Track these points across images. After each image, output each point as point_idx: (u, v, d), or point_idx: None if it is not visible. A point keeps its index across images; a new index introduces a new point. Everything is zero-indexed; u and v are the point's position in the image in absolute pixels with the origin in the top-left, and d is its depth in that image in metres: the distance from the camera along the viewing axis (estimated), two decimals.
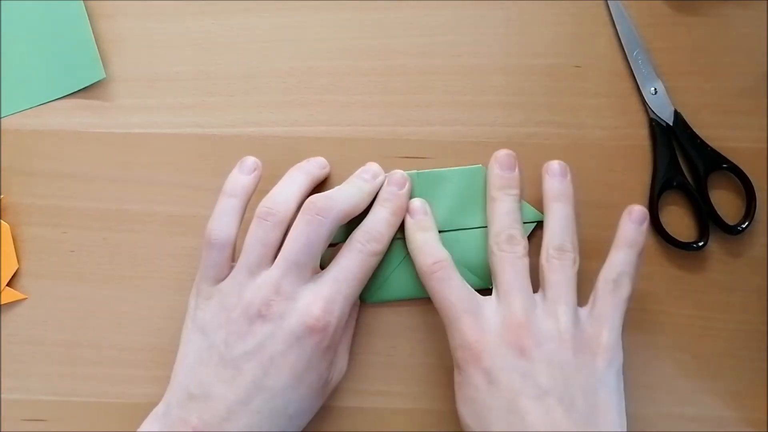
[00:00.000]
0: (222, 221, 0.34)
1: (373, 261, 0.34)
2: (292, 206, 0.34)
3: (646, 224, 0.35)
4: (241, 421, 0.31)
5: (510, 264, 0.33)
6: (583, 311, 0.33)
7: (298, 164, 0.36)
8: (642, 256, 0.34)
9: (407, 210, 0.36)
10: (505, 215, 0.35)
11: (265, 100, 0.39)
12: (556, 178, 0.35)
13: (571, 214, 0.35)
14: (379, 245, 0.34)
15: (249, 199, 0.35)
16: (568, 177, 0.36)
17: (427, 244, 0.35)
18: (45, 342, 0.37)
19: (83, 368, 0.37)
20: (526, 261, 0.34)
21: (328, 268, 0.34)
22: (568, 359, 0.31)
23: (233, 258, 0.34)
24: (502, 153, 0.36)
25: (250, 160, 0.36)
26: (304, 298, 0.32)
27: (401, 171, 0.36)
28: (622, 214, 0.35)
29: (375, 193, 0.36)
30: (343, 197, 0.34)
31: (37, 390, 0.37)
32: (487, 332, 0.32)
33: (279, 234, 0.33)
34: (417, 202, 0.36)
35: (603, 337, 0.32)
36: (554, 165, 0.36)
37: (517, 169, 0.36)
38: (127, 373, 0.37)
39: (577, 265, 0.34)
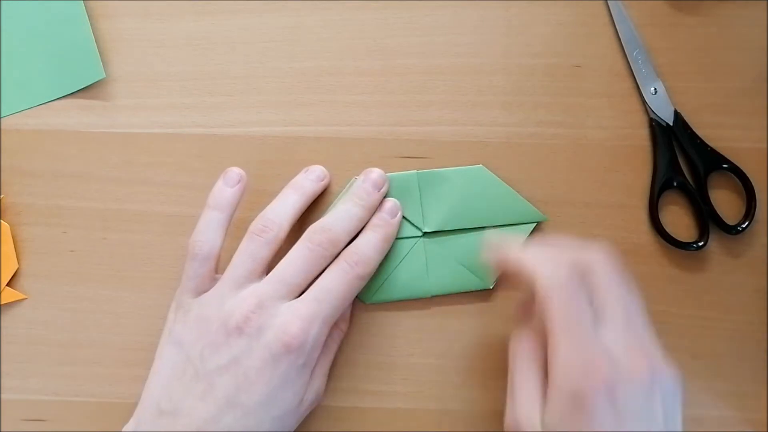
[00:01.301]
0: (206, 233, 0.34)
1: (358, 284, 0.34)
2: (286, 227, 0.34)
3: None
4: None
5: (620, 285, 0.30)
6: None
7: (294, 180, 0.36)
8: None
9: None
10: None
11: (265, 100, 0.39)
12: None
13: None
14: (367, 269, 0.34)
15: (233, 212, 0.35)
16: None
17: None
18: (45, 342, 0.37)
19: (83, 368, 0.37)
20: None
21: (313, 286, 0.33)
22: (671, 390, 0.29)
23: (216, 271, 0.34)
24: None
25: (234, 172, 0.35)
26: (283, 315, 0.32)
27: (393, 200, 0.36)
28: None
29: (372, 211, 0.35)
30: (342, 226, 0.34)
31: (37, 390, 0.37)
32: (616, 367, 0.28)
33: (270, 252, 0.33)
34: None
35: (664, 357, 0.29)
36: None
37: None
38: (127, 373, 0.36)
39: None
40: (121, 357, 0.37)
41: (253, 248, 0.33)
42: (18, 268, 0.37)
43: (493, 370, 0.36)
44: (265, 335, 0.31)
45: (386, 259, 0.36)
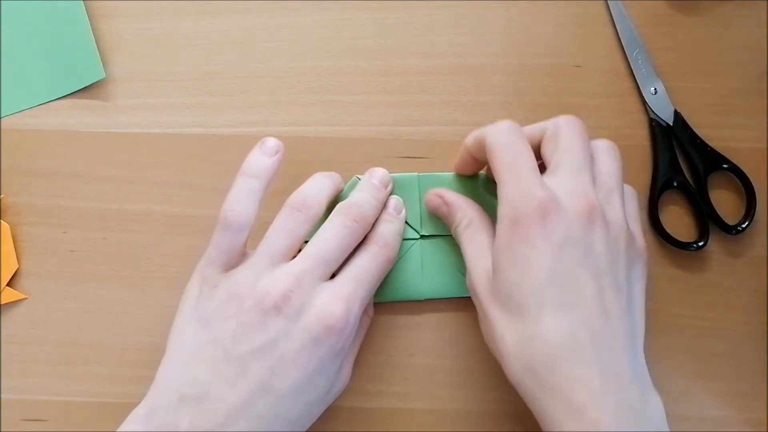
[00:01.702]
0: (241, 202, 0.31)
1: (387, 267, 0.34)
2: (324, 206, 0.33)
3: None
4: (239, 426, 0.28)
5: (580, 141, 0.31)
6: None
7: (323, 172, 0.35)
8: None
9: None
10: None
11: (265, 100, 0.39)
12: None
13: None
14: (393, 252, 0.34)
15: (270, 183, 0.33)
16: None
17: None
18: (45, 342, 0.37)
19: (83, 368, 0.37)
20: None
21: (343, 270, 0.32)
22: (623, 249, 0.30)
23: (246, 245, 0.32)
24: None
25: (272, 142, 0.33)
26: (322, 296, 0.30)
27: (397, 197, 0.36)
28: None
29: (382, 205, 0.35)
30: (369, 208, 0.34)
31: (37, 390, 0.36)
32: (556, 196, 0.29)
33: (308, 229, 0.32)
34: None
35: (639, 238, 0.32)
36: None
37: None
38: (127, 373, 0.36)
39: None
40: (121, 357, 0.37)
41: (292, 224, 0.32)
42: (18, 268, 0.37)
43: (493, 370, 0.36)
44: (304, 317, 0.30)
45: None
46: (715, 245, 0.37)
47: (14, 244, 0.38)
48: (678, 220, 0.38)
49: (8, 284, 0.37)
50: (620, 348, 0.28)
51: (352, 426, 0.36)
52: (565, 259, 0.28)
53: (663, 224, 0.37)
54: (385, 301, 0.36)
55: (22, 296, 0.37)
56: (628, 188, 0.33)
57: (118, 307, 0.37)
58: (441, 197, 0.35)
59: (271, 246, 0.31)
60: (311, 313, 0.30)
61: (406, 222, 0.36)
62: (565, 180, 0.30)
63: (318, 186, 0.34)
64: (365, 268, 0.32)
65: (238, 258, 0.32)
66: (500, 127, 0.31)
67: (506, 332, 0.29)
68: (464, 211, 0.34)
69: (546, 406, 0.28)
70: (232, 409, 0.28)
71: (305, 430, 0.32)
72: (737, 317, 0.37)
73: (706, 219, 0.37)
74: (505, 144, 0.31)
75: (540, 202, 0.29)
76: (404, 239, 0.36)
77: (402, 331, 0.37)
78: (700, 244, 0.37)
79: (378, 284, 0.34)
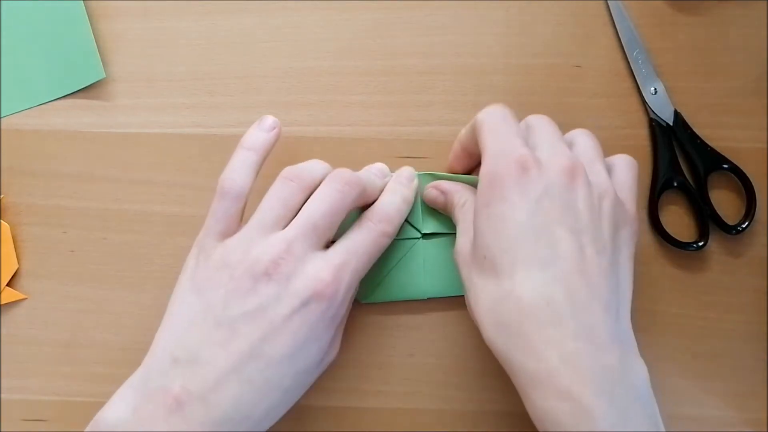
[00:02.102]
0: (239, 171, 0.32)
1: (383, 242, 0.33)
2: (318, 178, 0.33)
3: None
4: (230, 390, 0.28)
5: (552, 126, 0.32)
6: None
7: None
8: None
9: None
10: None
11: (265, 100, 0.39)
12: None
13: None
14: (390, 227, 0.34)
15: (266, 157, 0.34)
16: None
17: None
18: (45, 342, 0.37)
19: (83, 368, 0.37)
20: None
21: (339, 240, 0.33)
22: (606, 209, 0.30)
23: (242, 215, 0.33)
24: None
25: (270, 119, 0.35)
26: (314, 263, 0.30)
27: (410, 167, 0.36)
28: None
29: (382, 190, 0.35)
30: (365, 178, 0.34)
31: (37, 390, 0.36)
32: (536, 155, 0.30)
33: (302, 199, 0.32)
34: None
35: (629, 205, 0.32)
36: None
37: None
38: (127, 373, 0.36)
39: None
40: (121, 357, 0.37)
41: (285, 193, 0.32)
42: (18, 268, 0.37)
43: (493, 370, 0.36)
44: (295, 282, 0.30)
45: (384, 259, 0.36)
46: (715, 245, 0.37)
47: (14, 244, 0.38)
48: (678, 220, 0.38)
49: (8, 284, 0.37)
50: (599, 308, 0.27)
51: (352, 426, 0.36)
52: (541, 213, 0.28)
53: (663, 224, 0.37)
54: (386, 301, 0.36)
55: (22, 296, 0.37)
56: (625, 158, 0.33)
57: (118, 307, 0.37)
58: (437, 188, 0.36)
59: (263, 214, 0.32)
60: (300, 279, 0.30)
61: (408, 221, 0.36)
62: (546, 147, 0.30)
63: (313, 163, 0.34)
64: (358, 241, 0.32)
65: (234, 227, 0.32)
66: (489, 107, 0.32)
67: (481, 293, 0.29)
68: (460, 194, 0.34)
69: (518, 368, 0.27)
70: (222, 373, 0.29)
71: (295, 400, 0.32)
72: (737, 317, 0.37)
73: (706, 219, 0.37)
74: (492, 115, 0.32)
75: (519, 157, 0.29)
76: (405, 239, 0.36)
77: (402, 330, 0.37)
78: (700, 244, 0.37)
79: (374, 259, 0.33)
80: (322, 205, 0.32)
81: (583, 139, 0.33)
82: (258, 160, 0.33)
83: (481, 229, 0.30)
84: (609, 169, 0.32)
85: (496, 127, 0.31)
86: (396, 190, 0.35)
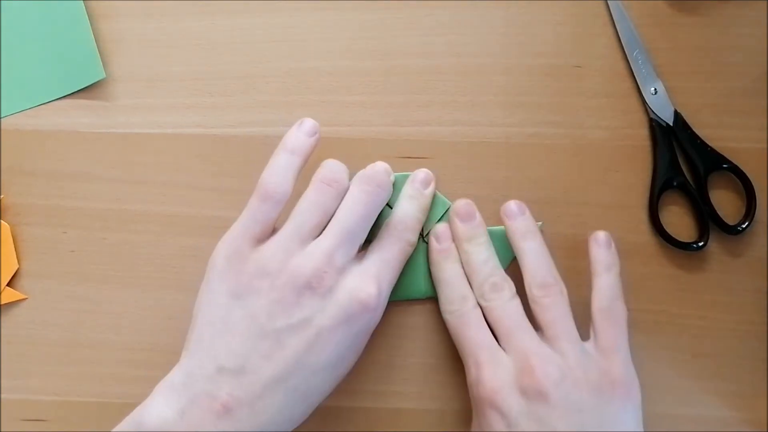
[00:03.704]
0: (282, 175, 0.32)
1: (409, 251, 0.34)
2: (348, 182, 0.33)
3: (613, 246, 0.35)
4: (276, 398, 0.29)
5: (502, 311, 0.33)
6: (589, 345, 0.33)
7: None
8: (619, 275, 0.34)
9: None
10: (482, 265, 0.34)
11: (265, 100, 0.39)
12: (517, 219, 0.34)
13: (543, 246, 0.34)
14: (414, 237, 0.34)
15: (306, 161, 0.33)
16: (527, 213, 0.35)
17: (453, 278, 0.34)
18: (45, 342, 0.37)
19: (83, 368, 0.37)
20: (516, 301, 0.33)
21: (368, 252, 0.33)
22: (585, 399, 0.30)
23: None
24: (461, 204, 0.36)
25: (310, 122, 0.34)
26: (353, 275, 0.31)
27: (426, 170, 0.36)
28: (589, 241, 0.35)
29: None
30: (385, 175, 0.34)
31: (37, 390, 0.37)
32: (502, 379, 0.31)
33: (337, 204, 0.32)
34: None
35: (615, 369, 0.31)
36: (511, 206, 0.35)
37: (478, 215, 0.35)
38: (127, 373, 0.36)
39: (565, 295, 0.33)
40: (121, 357, 0.37)
41: (322, 200, 0.32)
42: (18, 268, 0.37)
43: None
44: (338, 295, 0.30)
45: None
46: (715, 245, 0.37)
47: (14, 244, 0.38)
48: (678, 220, 0.38)
49: (8, 284, 0.37)
50: None
51: (352, 426, 0.36)
52: None
53: (663, 224, 0.37)
54: (389, 301, 0.36)
55: (22, 296, 0.37)
56: (608, 311, 0.33)
57: (118, 307, 0.37)
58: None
59: (301, 222, 0.31)
60: (345, 291, 0.30)
61: None
62: (510, 352, 0.32)
63: (339, 164, 0.34)
64: (389, 251, 0.33)
65: (269, 231, 0.32)
66: (460, 312, 0.34)
67: None
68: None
69: None
70: (269, 382, 0.29)
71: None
72: (737, 317, 0.37)
73: (706, 219, 0.37)
74: (462, 328, 0.34)
75: (487, 394, 0.31)
76: None
77: (402, 330, 0.37)
78: (700, 244, 0.37)
79: (402, 267, 0.34)
80: (355, 213, 0.32)
81: (604, 329, 0.33)
82: (299, 163, 0.33)
83: None
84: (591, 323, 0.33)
85: (467, 342, 0.33)
86: (414, 197, 0.35)
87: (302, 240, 0.31)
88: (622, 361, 0.32)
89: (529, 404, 0.30)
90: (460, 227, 0.35)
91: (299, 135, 0.33)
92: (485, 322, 0.33)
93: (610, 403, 0.31)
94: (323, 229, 0.32)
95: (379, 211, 0.33)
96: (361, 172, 0.33)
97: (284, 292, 0.30)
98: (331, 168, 0.33)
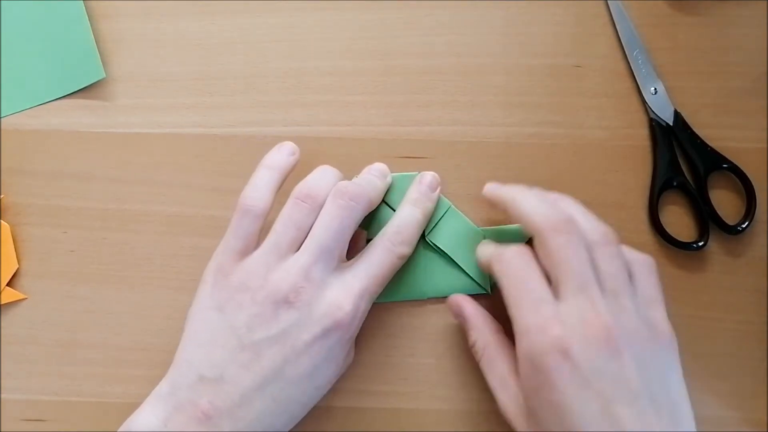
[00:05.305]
0: (261, 190, 0.33)
1: (399, 264, 0.34)
2: (327, 196, 0.33)
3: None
4: (255, 406, 0.30)
5: (572, 250, 0.30)
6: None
7: (326, 165, 0.36)
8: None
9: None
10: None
11: (265, 100, 0.39)
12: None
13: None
14: (409, 249, 0.34)
15: (285, 178, 0.34)
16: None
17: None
18: (45, 342, 0.37)
19: (83, 368, 0.37)
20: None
21: (356, 261, 0.33)
22: (649, 355, 0.29)
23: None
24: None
25: (289, 145, 0.35)
26: (333, 289, 0.32)
27: (433, 173, 0.36)
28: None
29: (385, 192, 0.36)
30: (369, 187, 0.34)
31: (37, 390, 0.36)
32: (570, 329, 0.29)
33: (313, 220, 0.32)
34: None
35: (659, 320, 0.31)
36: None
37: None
38: (127, 373, 0.36)
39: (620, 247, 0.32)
40: (121, 357, 0.37)
41: (298, 216, 0.32)
42: (18, 268, 0.37)
43: None
44: (315, 309, 0.31)
45: None
46: (715, 245, 0.37)
47: (14, 244, 0.38)
48: (678, 220, 0.38)
49: (8, 284, 0.37)
50: None
51: (352, 426, 0.36)
52: (596, 399, 0.28)
53: (663, 224, 0.37)
54: (387, 301, 0.36)
55: (22, 296, 0.37)
56: (644, 261, 0.32)
57: (118, 307, 0.37)
58: (460, 307, 0.35)
59: (278, 238, 0.32)
60: (321, 306, 0.31)
61: None
62: (571, 303, 0.29)
63: (322, 177, 0.34)
64: (377, 264, 0.33)
65: (253, 245, 0.33)
66: (507, 256, 0.32)
67: None
68: (478, 333, 0.34)
69: None
70: (247, 391, 0.30)
71: (312, 406, 0.33)
72: (737, 317, 0.37)
73: (706, 219, 0.37)
74: (514, 274, 0.31)
75: (554, 341, 0.28)
76: None
77: (402, 330, 0.37)
78: (700, 244, 0.37)
79: (389, 279, 0.34)
80: (330, 229, 0.32)
81: (605, 257, 0.31)
82: (279, 179, 0.34)
83: (540, 414, 0.29)
84: (630, 274, 0.32)
85: (520, 292, 0.30)
86: (417, 203, 0.35)
87: (280, 255, 0.32)
88: (663, 311, 0.31)
89: (604, 361, 0.28)
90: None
91: (278, 154, 0.35)
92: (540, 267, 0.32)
93: (664, 354, 0.30)
94: (302, 243, 0.32)
95: (357, 224, 0.33)
96: (336, 186, 0.33)
97: (263, 306, 0.31)
98: (308, 184, 0.33)
